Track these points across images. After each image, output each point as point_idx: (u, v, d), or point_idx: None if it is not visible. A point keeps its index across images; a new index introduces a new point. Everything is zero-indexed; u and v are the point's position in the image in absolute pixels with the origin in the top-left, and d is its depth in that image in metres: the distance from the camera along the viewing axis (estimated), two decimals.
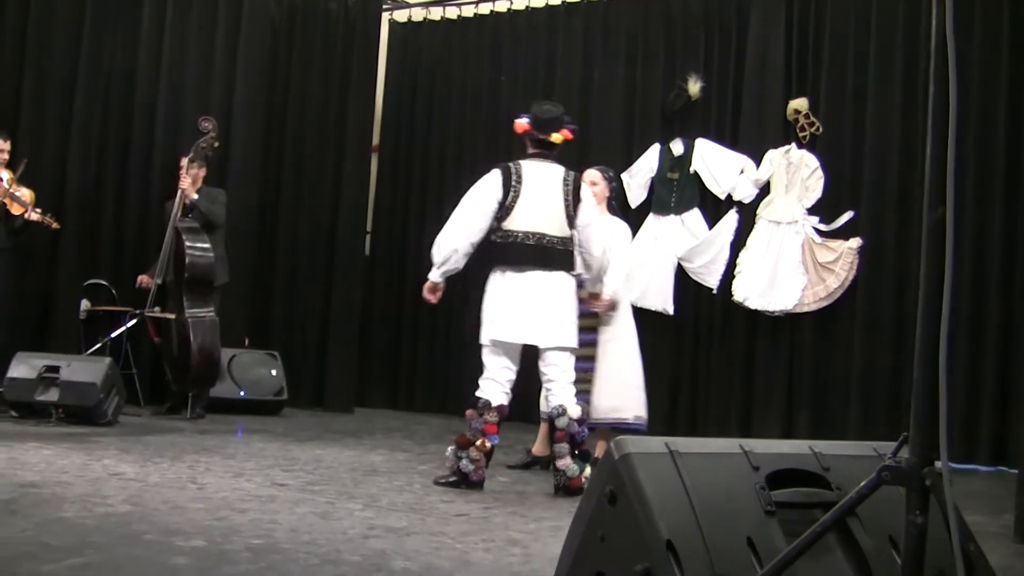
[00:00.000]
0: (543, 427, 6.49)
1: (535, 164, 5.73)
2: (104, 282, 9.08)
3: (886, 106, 8.40)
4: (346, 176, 10.19)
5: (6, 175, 8.10)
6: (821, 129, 8.68)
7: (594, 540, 2.45)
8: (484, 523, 4.59)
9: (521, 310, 5.63)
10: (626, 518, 2.35)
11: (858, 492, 2.19)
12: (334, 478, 5.66)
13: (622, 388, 6.41)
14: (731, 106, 9.17)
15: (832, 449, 2.65)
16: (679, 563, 2.24)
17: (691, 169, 9.11)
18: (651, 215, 9.26)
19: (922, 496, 2.07)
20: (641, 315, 9.09)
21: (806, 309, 8.56)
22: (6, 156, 8.13)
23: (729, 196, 8.99)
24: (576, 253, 5.80)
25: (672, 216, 9.16)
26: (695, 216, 9.11)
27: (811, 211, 8.63)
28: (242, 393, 9.00)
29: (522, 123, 5.80)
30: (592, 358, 6.34)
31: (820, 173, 8.61)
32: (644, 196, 9.32)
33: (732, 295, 8.79)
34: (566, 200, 5.66)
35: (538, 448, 6.59)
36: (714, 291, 8.96)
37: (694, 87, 9.20)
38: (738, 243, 8.88)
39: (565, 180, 5.69)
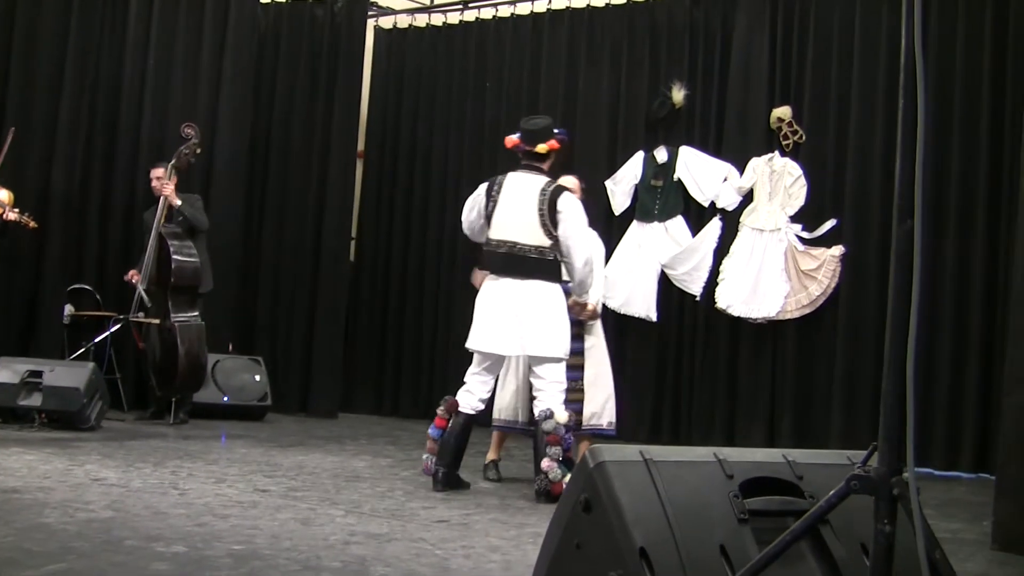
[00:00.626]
0: (496, 435, 6.54)
1: (519, 175, 5.84)
2: (88, 287, 9.08)
3: (869, 115, 8.45)
4: (331, 182, 10.19)
5: None
6: (804, 137, 8.73)
7: (569, 548, 2.47)
8: (465, 529, 4.61)
9: (494, 319, 5.76)
10: (601, 526, 2.38)
11: (827, 501, 2.22)
12: (316, 484, 5.67)
13: (601, 394, 6.43)
14: (715, 114, 9.21)
15: (806, 458, 2.68)
16: (652, 571, 2.26)
17: (675, 177, 9.14)
18: (635, 222, 9.29)
19: (890, 505, 2.10)
20: (625, 322, 9.18)
21: (789, 316, 8.59)
22: None
23: (712, 204, 9.02)
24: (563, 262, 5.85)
25: (656, 223, 9.19)
26: (679, 223, 9.14)
27: (794, 219, 8.66)
28: (226, 398, 8.99)
29: (512, 138, 5.95)
30: (580, 367, 6.35)
31: (803, 181, 8.65)
32: (628, 203, 9.34)
33: (715, 302, 8.82)
34: (540, 210, 5.69)
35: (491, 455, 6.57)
36: (697, 298, 8.98)
37: (678, 95, 9.24)
38: (721, 250, 8.91)
39: (543, 190, 5.73)
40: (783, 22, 8.94)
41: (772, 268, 8.65)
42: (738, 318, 8.75)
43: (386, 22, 10.96)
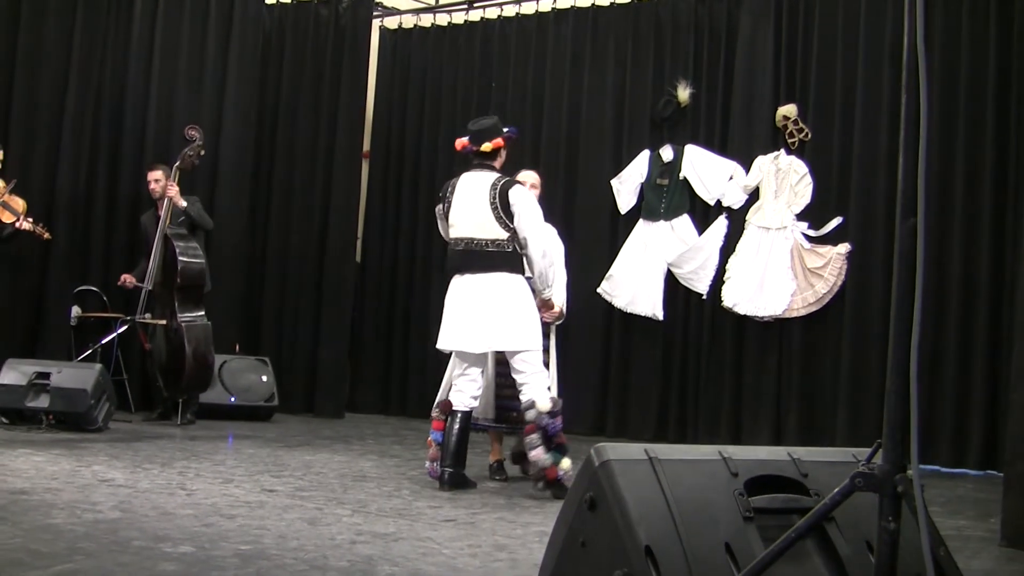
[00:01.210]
0: (492, 436, 6.55)
1: (470, 175, 5.93)
2: (95, 288, 9.10)
3: (874, 112, 8.44)
4: (337, 182, 10.20)
5: None
6: (810, 135, 8.72)
7: (575, 546, 2.48)
8: (471, 528, 4.61)
9: (461, 317, 5.83)
10: (606, 524, 2.38)
11: (831, 499, 2.22)
12: (323, 484, 5.68)
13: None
14: (720, 112, 9.21)
15: (811, 455, 2.68)
16: (658, 569, 2.27)
17: (680, 175, 9.14)
18: (641, 221, 9.29)
19: (894, 502, 2.10)
20: (631, 320, 9.19)
21: (795, 314, 8.59)
22: None
23: (718, 202, 9.02)
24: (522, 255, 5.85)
25: (662, 222, 9.19)
26: (684, 222, 9.14)
27: (800, 217, 8.66)
28: (232, 399, 9.01)
29: (462, 140, 6.03)
30: (547, 364, 6.28)
31: (809, 179, 8.64)
32: (634, 202, 9.35)
33: (721, 301, 8.82)
34: (493, 203, 5.74)
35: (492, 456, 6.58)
36: (703, 297, 8.98)
37: (683, 93, 9.24)
38: (727, 249, 8.91)
39: (493, 184, 5.78)
40: (788, 20, 8.93)
41: (778, 266, 8.65)
42: (744, 316, 8.75)
43: (391, 22, 10.97)
